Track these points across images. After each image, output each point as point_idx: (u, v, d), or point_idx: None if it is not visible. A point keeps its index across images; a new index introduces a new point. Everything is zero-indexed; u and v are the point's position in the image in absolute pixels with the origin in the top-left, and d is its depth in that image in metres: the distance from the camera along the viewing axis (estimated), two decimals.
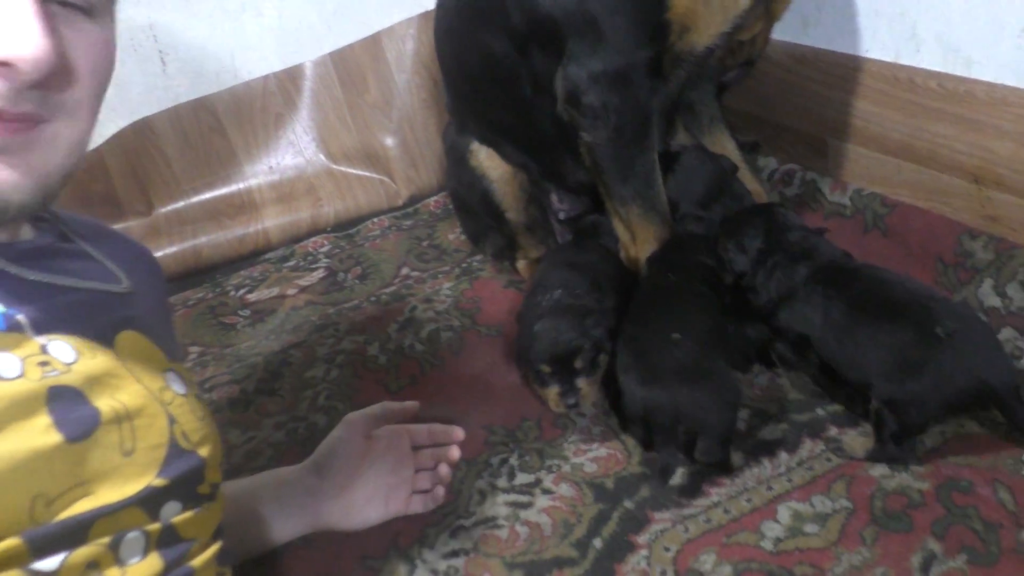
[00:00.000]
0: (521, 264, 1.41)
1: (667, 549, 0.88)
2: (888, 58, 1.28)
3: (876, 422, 0.94)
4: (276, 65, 1.78)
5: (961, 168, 1.18)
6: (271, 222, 1.77)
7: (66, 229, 0.69)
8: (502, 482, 1.01)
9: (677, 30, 0.99)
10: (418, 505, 0.96)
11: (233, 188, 1.78)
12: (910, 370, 0.90)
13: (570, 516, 0.94)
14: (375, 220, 1.78)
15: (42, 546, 0.52)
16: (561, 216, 1.34)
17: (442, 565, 0.90)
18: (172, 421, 0.63)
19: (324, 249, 1.72)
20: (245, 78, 1.76)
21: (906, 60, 1.25)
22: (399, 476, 0.95)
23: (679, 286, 1.08)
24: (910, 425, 0.92)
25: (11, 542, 0.51)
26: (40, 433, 0.53)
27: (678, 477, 0.97)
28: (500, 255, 1.43)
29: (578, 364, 1.02)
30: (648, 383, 0.96)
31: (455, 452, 0.97)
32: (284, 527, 0.90)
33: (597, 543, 0.90)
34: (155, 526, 0.59)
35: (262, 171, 1.80)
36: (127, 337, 0.65)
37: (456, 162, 1.33)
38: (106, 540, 0.56)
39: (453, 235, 1.65)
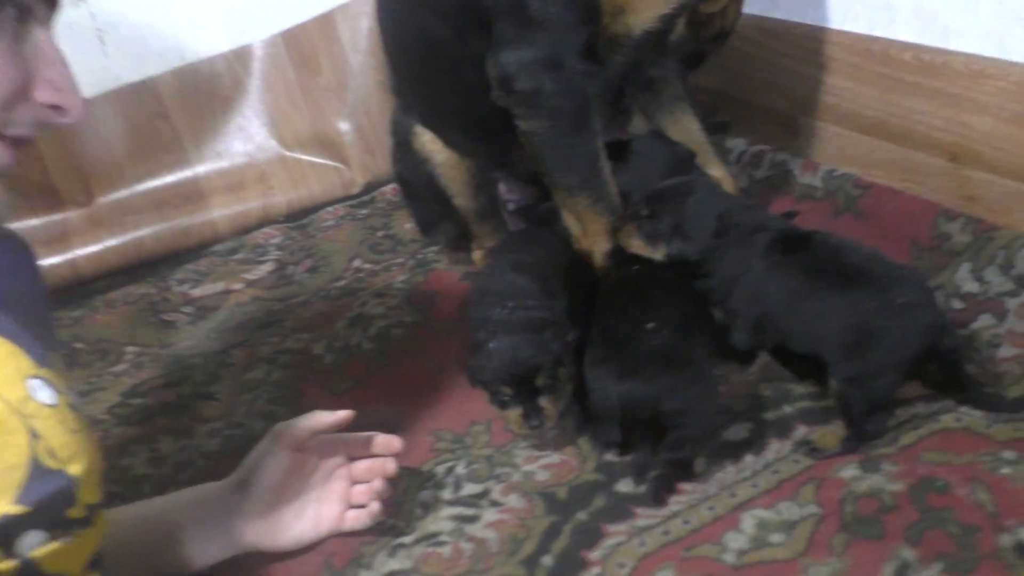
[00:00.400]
0: (477, 255, 1.35)
1: (621, 566, 0.82)
2: (861, 30, 1.23)
3: (841, 405, 0.90)
4: (224, 45, 1.71)
5: (938, 145, 1.14)
6: (219, 212, 1.70)
7: None
8: (447, 494, 0.95)
9: (611, 12, 0.96)
10: (354, 522, 0.90)
11: (179, 176, 1.71)
12: (870, 340, 0.87)
13: (519, 530, 0.88)
14: (329, 209, 1.72)
15: None
16: (511, 207, 1.28)
17: None
18: (35, 436, 0.56)
19: (275, 241, 1.65)
20: (191, 59, 1.69)
21: (880, 31, 1.20)
22: (332, 491, 0.90)
23: (645, 276, 1.03)
24: (877, 399, 0.89)
25: None
26: None
27: (632, 485, 0.91)
28: (454, 244, 1.36)
29: (540, 382, 0.95)
30: (625, 376, 0.90)
31: (391, 465, 0.91)
32: (205, 551, 0.85)
33: (547, 560, 0.84)
34: (8, 564, 0.53)
35: (210, 158, 1.73)
36: None
37: (400, 145, 1.28)
38: None
39: (410, 224, 1.58)
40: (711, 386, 0.93)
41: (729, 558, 0.81)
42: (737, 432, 0.95)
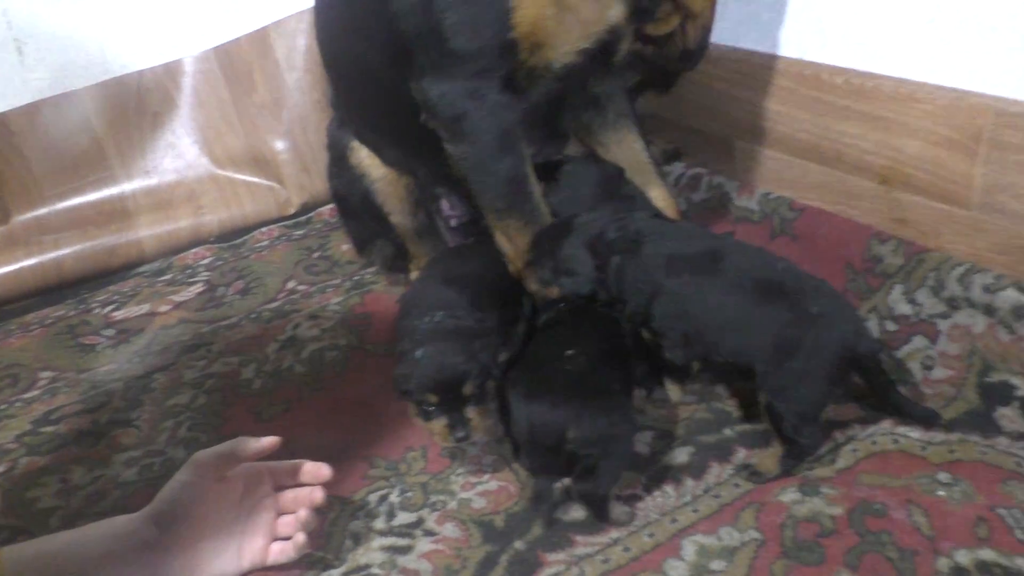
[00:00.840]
0: (415, 275, 1.31)
1: None
2: (793, 54, 1.24)
3: (772, 419, 0.90)
4: (153, 59, 1.64)
5: (869, 168, 1.15)
6: (146, 232, 1.63)
7: None
8: (379, 523, 0.91)
9: (527, 47, 0.95)
10: (279, 555, 0.85)
11: (103, 194, 1.64)
12: (788, 351, 0.88)
13: (454, 561, 0.85)
14: (264, 230, 1.66)
15: None
16: (453, 223, 1.25)
17: None
18: None
19: (205, 261, 1.59)
20: (117, 72, 1.62)
21: (812, 56, 1.21)
22: (256, 522, 0.85)
23: (580, 308, 1.01)
24: (804, 409, 0.89)
25: None
26: None
27: (574, 511, 0.88)
28: (390, 264, 1.33)
29: (467, 390, 0.92)
30: (532, 397, 0.88)
31: (319, 494, 0.86)
32: None
33: None
34: None
35: (137, 175, 1.66)
36: None
37: (336, 160, 1.25)
38: None
39: (347, 246, 1.54)
40: (624, 421, 0.89)
41: None
42: (677, 456, 0.94)
